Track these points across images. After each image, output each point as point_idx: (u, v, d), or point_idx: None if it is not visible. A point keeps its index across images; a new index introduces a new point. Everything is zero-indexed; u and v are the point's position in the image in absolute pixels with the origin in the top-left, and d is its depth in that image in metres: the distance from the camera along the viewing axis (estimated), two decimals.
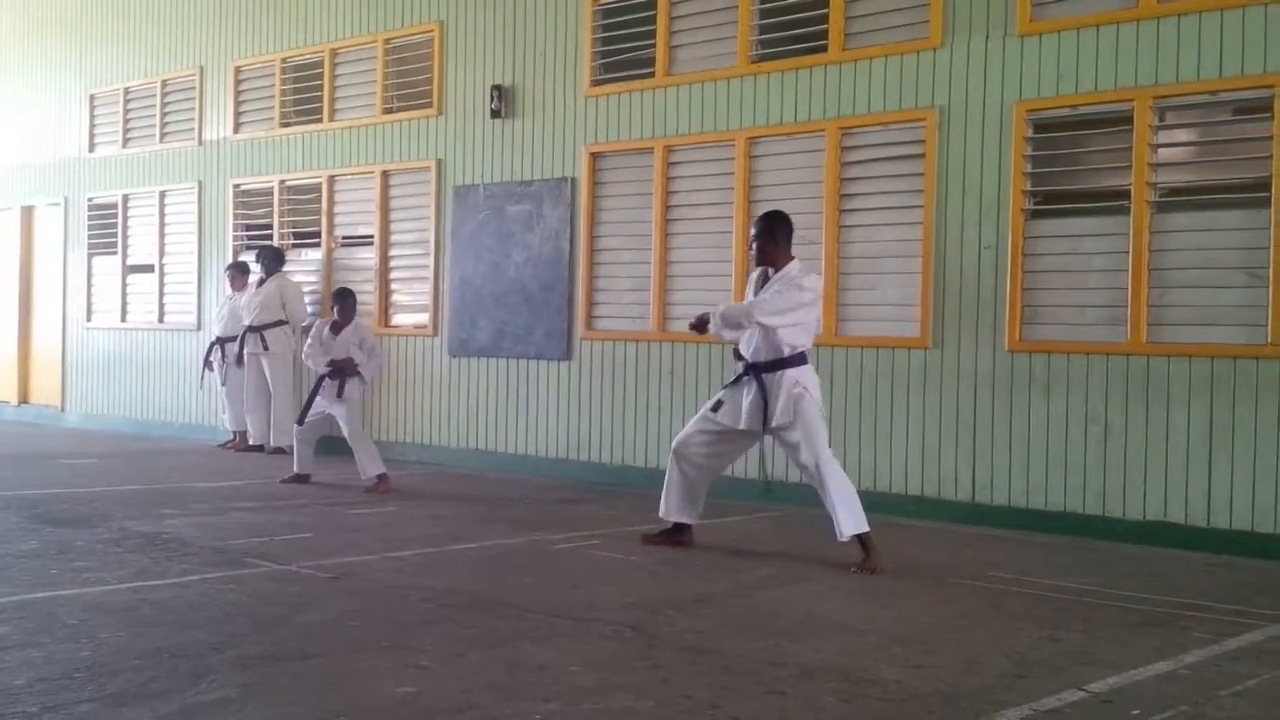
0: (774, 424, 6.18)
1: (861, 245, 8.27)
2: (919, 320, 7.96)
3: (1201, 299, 7.02)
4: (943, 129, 7.88)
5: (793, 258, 6.33)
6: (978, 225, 7.72)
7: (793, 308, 6.14)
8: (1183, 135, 7.33)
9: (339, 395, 8.89)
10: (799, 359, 6.20)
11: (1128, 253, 7.17)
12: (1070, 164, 7.59)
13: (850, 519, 6.09)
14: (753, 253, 6.40)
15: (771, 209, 6.77)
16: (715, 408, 6.49)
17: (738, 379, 6.37)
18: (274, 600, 5.07)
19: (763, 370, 6.20)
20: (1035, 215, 7.62)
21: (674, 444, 6.67)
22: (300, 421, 9.17)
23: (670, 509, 6.65)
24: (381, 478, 8.84)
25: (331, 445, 11.37)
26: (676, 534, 6.71)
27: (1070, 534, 7.25)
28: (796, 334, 6.20)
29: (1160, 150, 7.20)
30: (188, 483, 9.05)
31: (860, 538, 6.13)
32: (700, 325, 6.30)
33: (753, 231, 6.38)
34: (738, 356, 6.42)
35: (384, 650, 4.26)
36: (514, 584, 5.67)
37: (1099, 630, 4.87)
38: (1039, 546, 6.96)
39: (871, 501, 8.00)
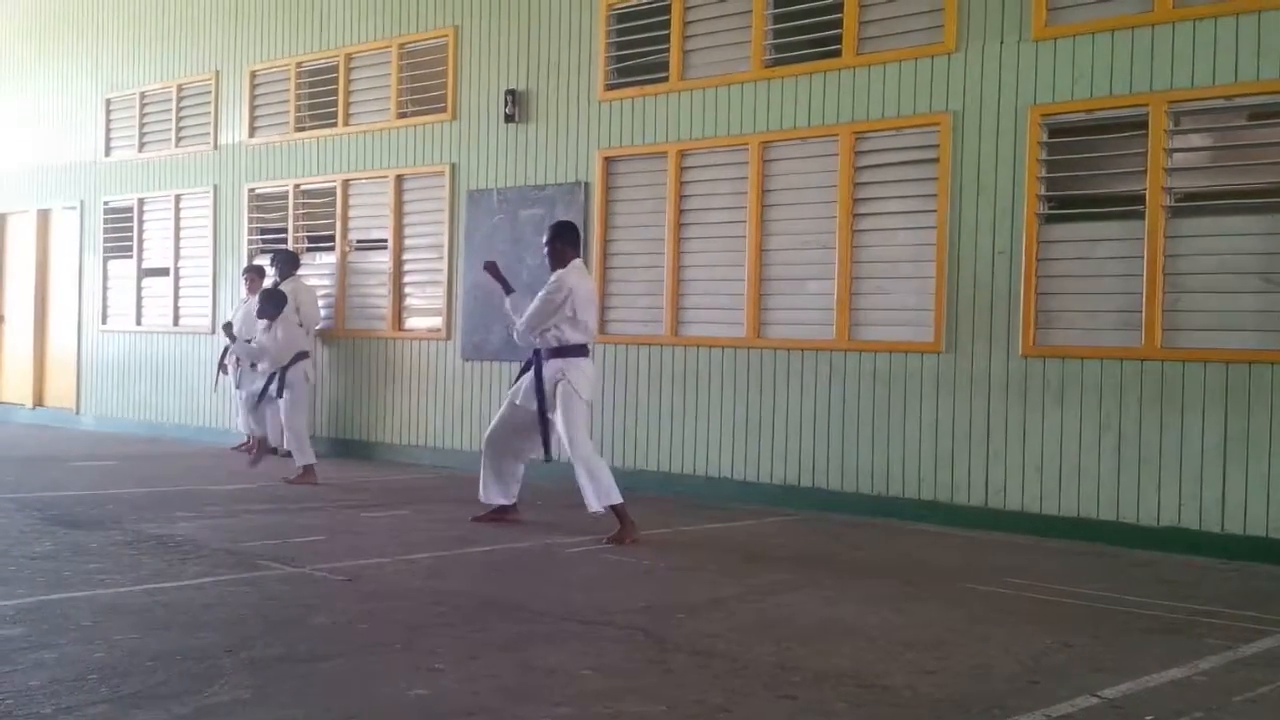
0: (547, 404, 7.05)
1: (875, 249, 8.26)
2: (933, 325, 7.94)
3: (1217, 304, 7.00)
4: (957, 133, 7.87)
5: (576, 257, 7.19)
6: (992, 230, 7.71)
7: (543, 318, 6.99)
8: (1198, 140, 7.31)
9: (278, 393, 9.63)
10: (571, 350, 7.05)
11: (1142, 258, 7.15)
12: (1085, 169, 7.57)
13: (595, 495, 6.84)
14: (546, 258, 7.26)
15: (561, 220, 7.84)
16: (512, 392, 7.35)
17: (527, 365, 7.25)
18: (287, 602, 5.08)
19: (545, 357, 7.09)
20: (1050, 220, 7.61)
21: (486, 433, 7.49)
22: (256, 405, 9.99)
23: (489, 492, 7.46)
24: (308, 469, 9.42)
25: (348, 448, 11.41)
26: (500, 513, 7.49)
27: (1083, 539, 7.23)
28: (566, 331, 7.03)
29: (1175, 155, 7.17)
30: (201, 485, 9.08)
31: (615, 511, 6.86)
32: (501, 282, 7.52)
33: (544, 238, 7.29)
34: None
35: (396, 653, 4.27)
36: (526, 587, 5.67)
37: (1112, 636, 4.85)
38: (1052, 552, 6.94)
39: (884, 506, 8.04)
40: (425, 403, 10.90)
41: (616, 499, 6.88)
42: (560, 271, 7.09)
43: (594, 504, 6.87)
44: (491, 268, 7.65)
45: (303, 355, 9.73)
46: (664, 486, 9.07)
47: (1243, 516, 6.81)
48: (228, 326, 10.72)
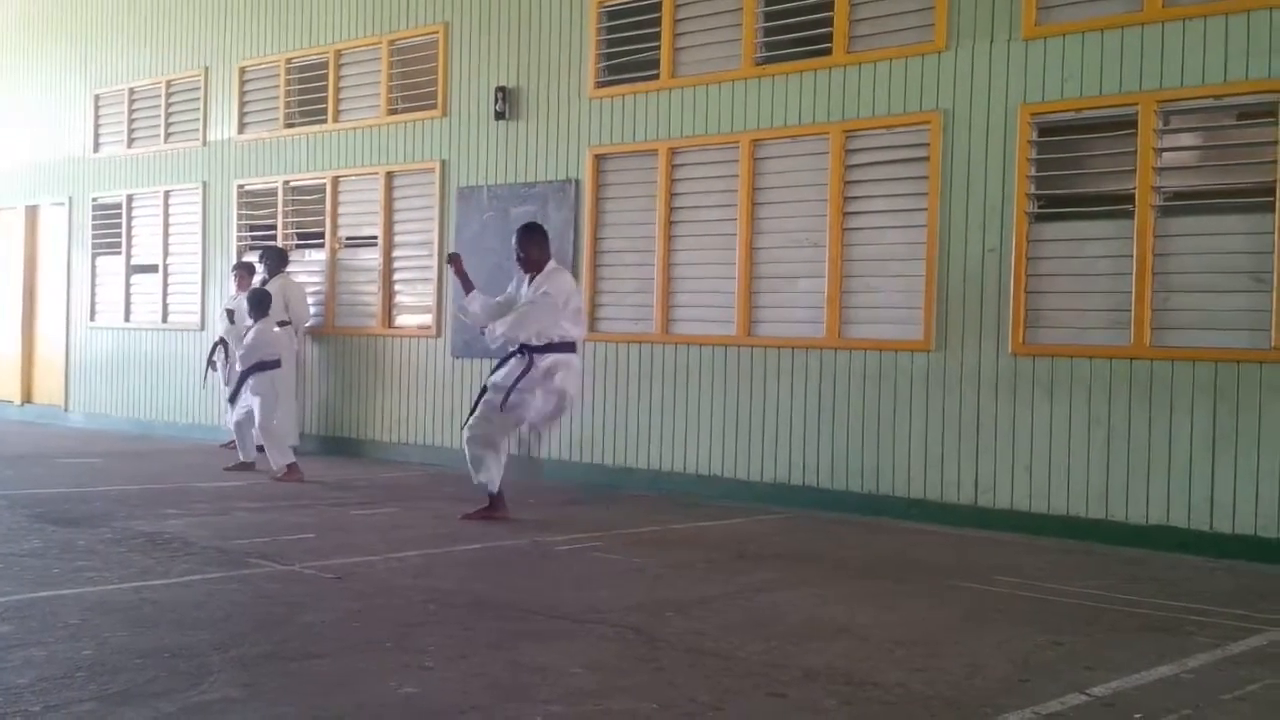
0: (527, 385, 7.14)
1: (865, 248, 8.27)
2: (922, 323, 7.95)
3: (1205, 303, 7.02)
4: (947, 132, 7.88)
5: (548, 259, 7.36)
6: (982, 228, 7.72)
7: (550, 321, 7.14)
8: (1187, 139, 7.33)
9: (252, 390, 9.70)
10: (568, 347, 7.26)
11: (1132, 256, 7.17)
12: (1074, 167, 7.59)
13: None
14: (518, 263, 7.38)
15: (528, 221, 7.98)
16: (485, 387, 7.41)
17: (508, 356, 7.31)
18: (276, 600, 5.07)
19: (535, 351, 7.15)
20: (1039, 219, 7.62)
21: (471, 434, 7.41)
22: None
23: (497, 480, 7.45)
24: (291, 467, 9.40)
25: (337, 446, 11.39)
26: (491, 509, 7.47)
27: (1073, 537, 7.24)
28: (568, 327, 7.22)
29: (1164, 154, 7.19)
30: (190, 482, 9.06)
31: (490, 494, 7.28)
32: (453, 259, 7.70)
33: (514, 242, 7.40)
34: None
35: (386, 651, 4.26)
36: (516, 585, 5.67)
37: (1101, 634, 4.86)
38: (1042, 550, 6.95)
39: (874, 504, 8.06)
40: (415, 400, 10.89)
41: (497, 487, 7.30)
42: (552, 275, 7.27)
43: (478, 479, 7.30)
44: (455, 261, 7.69)
45: (270, 364, 9.72)
46: (654, 484, 9.07)
47: (1231, 515, 6.83)
48: (229, 314, 10.75)
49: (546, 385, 7.20)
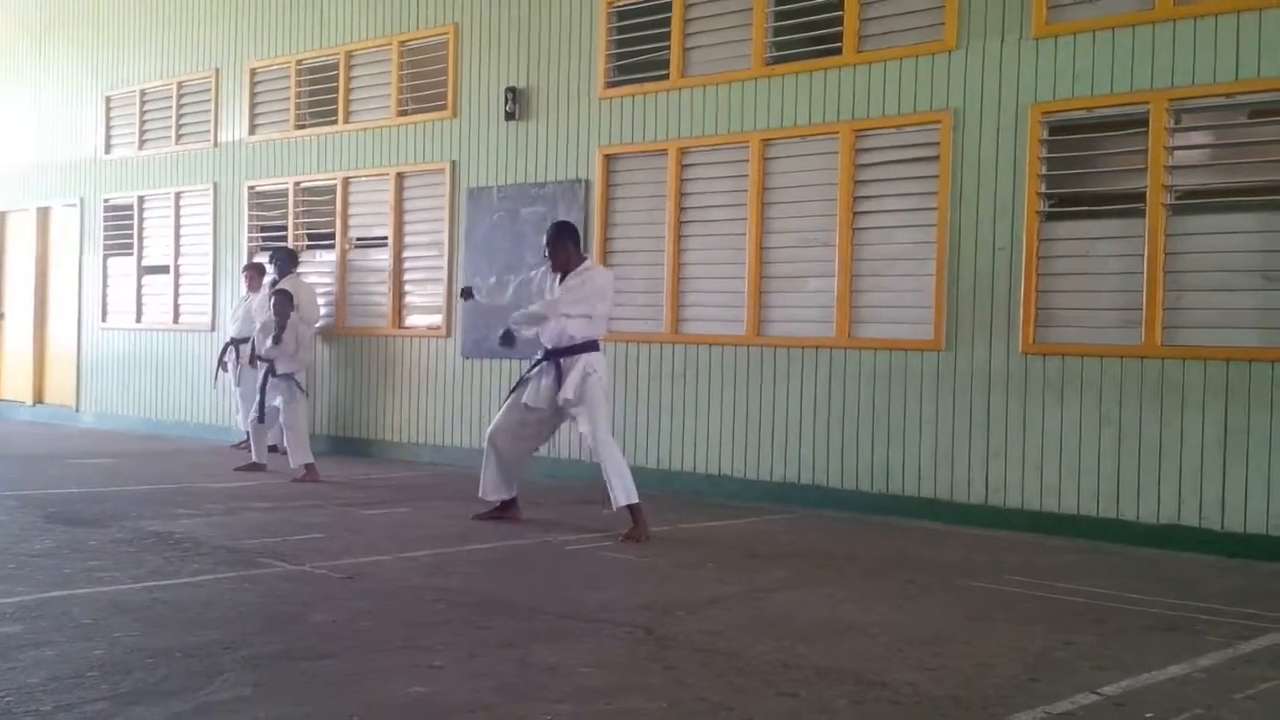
0: (562, 399, 6.98)
1: (875, 247, 8.26)
2: (933, 322, 7.94)
3: (1217, 302, 7.00)
4: (957, 131, 7.87)
5: (584, 258, 7.24)
6: (992, 227, 7.71)
7: (586, 298, 6.99)
8: (1198, 138, 7.31)
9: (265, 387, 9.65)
10: (591, 346, 7.06)
11: (1143, 255, 7.15)
12: (1085, 166, 7.57)
13: (623, 492, 6.84)
14: (546, 257, 7.21)
15: (560, 220, 7.80)
16: (519, 393, 7.25)
17: (536, 364, 7.18)
18: (287, 600, 5.08)
19: (560, 355, 7.02)
20: (1050, 217, 7.60)
21: (489, 431, 7.40)
22: (260, 419, 9.89)
23: (488, 489, 7.40)
24: (309, 468, 9.37)
25: (348, 446, 11.41)
26: (502, 510, 7.46)
27: (1084, 537, 7.23)
28: (586, 326, 7.04)
29: (1176, 153, 7.17)
30: (201, 482, 9.08)
31: (630, 508, 6.87)
32: (466, 294, 7.70)
33: (546, 239, 7.19)
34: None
35: (396, 650, 4.27)
36: (526, 585, 5.67)
37: (1112, 633, 4.85)
38: (1052, 549, 6.94)
39: (884, 504, 8.05)
40: (425, 400, 10.90)
41: (634, 499, 6.88)
42: (597, 267, 7.37)
43: (621, 501, 6.85)
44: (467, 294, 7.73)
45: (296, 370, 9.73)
46: (664, 483, 9.07)
47: (1243, 514, 6.81)
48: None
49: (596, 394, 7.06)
